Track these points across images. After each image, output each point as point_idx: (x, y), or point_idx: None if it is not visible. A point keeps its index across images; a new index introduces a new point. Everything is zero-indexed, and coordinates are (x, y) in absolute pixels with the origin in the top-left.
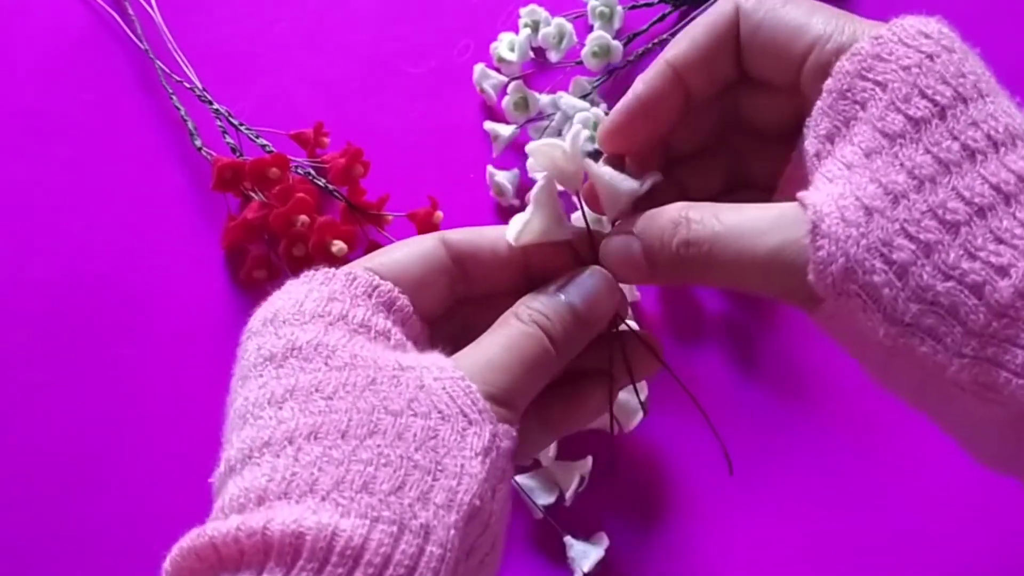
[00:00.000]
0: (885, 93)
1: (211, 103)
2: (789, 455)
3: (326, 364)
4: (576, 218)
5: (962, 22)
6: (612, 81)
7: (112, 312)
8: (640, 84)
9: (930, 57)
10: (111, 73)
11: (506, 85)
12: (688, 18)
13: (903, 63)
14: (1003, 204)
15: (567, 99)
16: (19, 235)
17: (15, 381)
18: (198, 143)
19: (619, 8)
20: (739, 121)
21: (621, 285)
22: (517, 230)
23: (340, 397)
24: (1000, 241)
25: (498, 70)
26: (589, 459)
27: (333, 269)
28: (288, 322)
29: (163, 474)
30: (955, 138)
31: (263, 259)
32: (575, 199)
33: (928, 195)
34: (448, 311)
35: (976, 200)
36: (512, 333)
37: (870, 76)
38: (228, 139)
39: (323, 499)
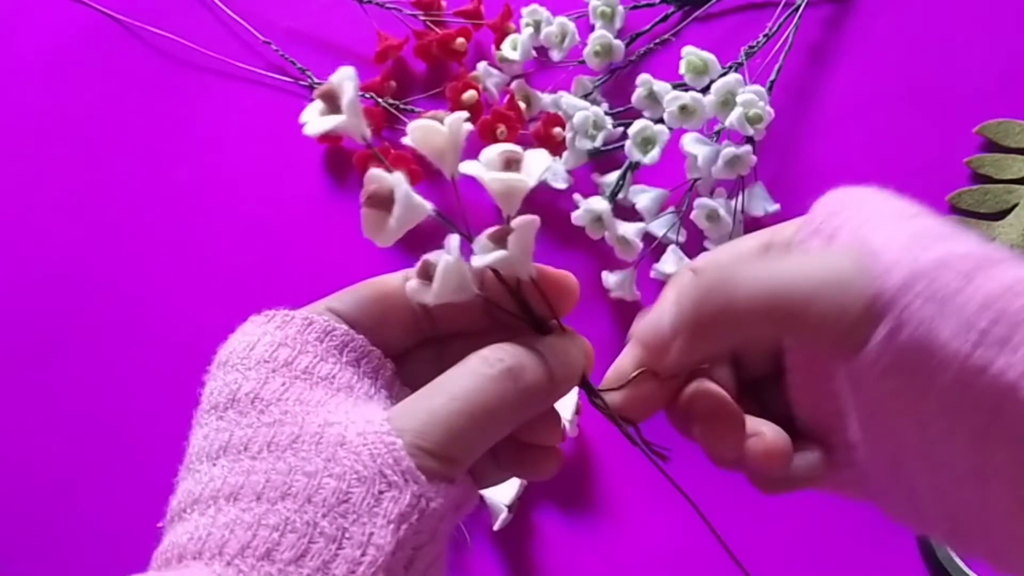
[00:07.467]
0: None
1: None
2: None
3: (258, 419)
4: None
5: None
6: (614, 80)
7: (108, 313)
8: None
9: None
10: (109, 73)
11: (509, 84)
12: (690, 17)
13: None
14: None
15: (568, 98)
16: (19, 234)
17: (17, 381)
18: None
19: (620, 8)
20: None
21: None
22: (416, 291)
23: (263, 457)
24: None
25: (500, 69)
26: None
27: (292, 312)
28: (236, 367)
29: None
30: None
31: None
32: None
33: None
34: (417, 347)
35: None
36: (470, 377)
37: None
38: None
39: (228, 564)
